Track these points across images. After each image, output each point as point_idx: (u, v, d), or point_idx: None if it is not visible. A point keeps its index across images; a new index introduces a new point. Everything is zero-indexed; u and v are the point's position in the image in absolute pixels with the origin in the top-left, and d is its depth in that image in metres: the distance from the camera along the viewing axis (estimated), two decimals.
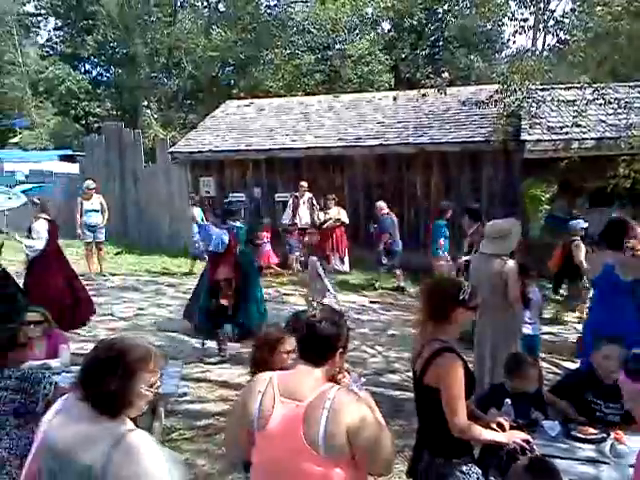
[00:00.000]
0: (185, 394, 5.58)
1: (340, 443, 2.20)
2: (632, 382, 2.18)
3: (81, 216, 11.45)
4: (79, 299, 8.26)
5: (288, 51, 24.62)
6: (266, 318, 8.06)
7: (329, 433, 2.19)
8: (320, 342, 2.42)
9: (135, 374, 2.09)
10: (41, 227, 8.10)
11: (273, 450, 2.30)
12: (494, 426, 3.16)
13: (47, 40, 33.88)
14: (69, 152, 23.11)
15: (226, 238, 7.18)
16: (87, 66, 31.86)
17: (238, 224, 8.35)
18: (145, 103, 27.13)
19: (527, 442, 3.07)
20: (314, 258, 8.85)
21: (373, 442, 2.26)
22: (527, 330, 5.83)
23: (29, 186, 15.03)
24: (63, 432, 2.09)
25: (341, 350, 2.45)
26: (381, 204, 11.15)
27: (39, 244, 8.03)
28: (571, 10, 8.08)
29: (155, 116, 25.94)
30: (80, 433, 2.05)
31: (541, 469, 2.69)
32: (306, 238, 11.04)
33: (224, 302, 7.15)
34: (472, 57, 25.53)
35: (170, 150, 14.50)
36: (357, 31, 24.34)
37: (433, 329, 3.00)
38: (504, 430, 3.16)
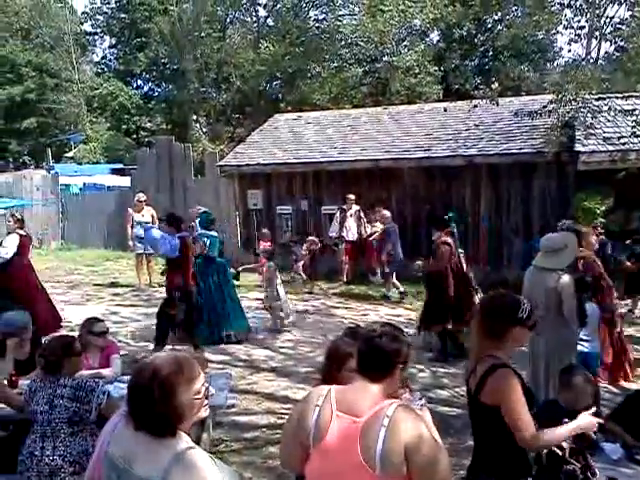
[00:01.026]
0: (233, 406, 5.59)
1: (397, 461, 2.14)
2: None
3: (132, 228, 11.67)
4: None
5: (335, 64, 24.73)
6: (243, 325, 8.47)
7: (386, 450, 2.14)
8: (379, 357, 2.36)
9: (173, 389, 2.05)
10: (12, 241, 8.30)
11: (329, 465, 2.26)
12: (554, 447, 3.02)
13: (102, 58, 35.12)
14: (120, 166, 23.71)
15: (176, 244, 7.14)
16: (139, 82, 32.83)
17: (213, 234, 8.49)
18: (194, 117, 27.69)
19: (589, 466, 2.93)
20: (272, 264, 9.03)
21: (430, 462, 2.19)
22: (583, 348, 5.63)
23: (11, 202, 15.37)
24: (124, 445, 2.10)
25: (401, 366, 2.38)
26: (385, 213, 11.08)
27: (4, 254, 8.18)
28: (630, 16, 7.83)
29: (204, 130, 26.45)
30: (140, 447, 2.05)
31: None
32: (304, 247, 11.62)
33: (172, 312, 7.17)
34: (523, 67, 25.14)
35: (219, 163, 14.69)
36: (405, 43, 24.27)
37: (487, 345, 2.89)
38: (563, 451, 3.02)
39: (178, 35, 26.25)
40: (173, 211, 9.64)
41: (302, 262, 11.94)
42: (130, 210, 11.97)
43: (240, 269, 9.87)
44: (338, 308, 10.41)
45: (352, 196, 12.29)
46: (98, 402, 3.56)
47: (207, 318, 8.21)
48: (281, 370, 7.21)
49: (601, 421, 2.95)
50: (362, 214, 12.21)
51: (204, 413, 2.18)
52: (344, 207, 12.34)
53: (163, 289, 11.76)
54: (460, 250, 8.01)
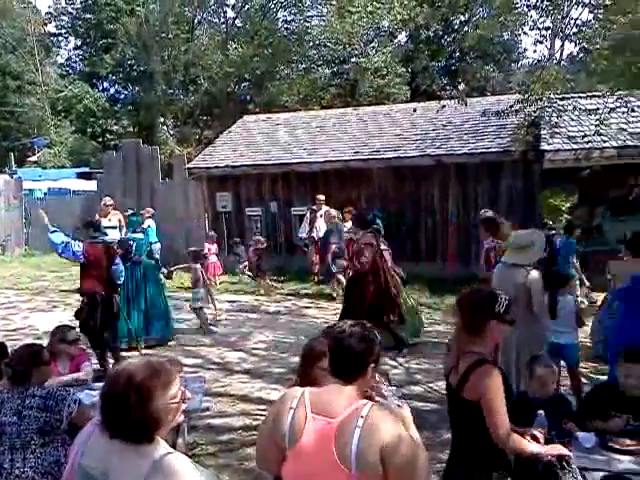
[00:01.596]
0: (207, 409, 5.55)
1: (372, 460, 2.15)
2: None
3: None
4: None
5: (304, 65, 24.77)
6: (164, 327, 8.48)
7: (361, 450, 2.15)
8: (350, 358, 2.36)
9: (150, 394, 2.01)
10: None
11: (305, 466, 2.26)
12: (528, 438, 3.07)
13: (67, 59, 34.48)
14: (87, 170, 23.34)
15: (76, 247, 7.05)
16: (105, 84, 32.34)
17: (138, 236, 8.47)
18: (162, 120, 27.40)
19: (565, 455, 2.99)
20: (197, 266, 9.06)
21: (409, 460, 2.19)
22: (559, 340, 5.73)
23: None
24: (99, 455, 2.05)
25: (372, 365, 2.38)
26: (332, 212, 11.16)
27: None
28: (593, 18, 8.00)
29: (172, 132, 26.19)
30: (116, 456, 2.01)
31: None
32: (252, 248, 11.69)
33: (81, 317, 7.07)
34: (489, 68, 25.49)
35: (187, 166, 14.58)
36: (373, 44, 24.41)
37: (467, 341, 2.93)
38: (538, 442, 3.07)
39: (145, 36, 25.95)
40: (90, 217, 9.56)
41: (246, 262, 12.22)
42: (97, 215, 11.76)
43: (172, 269, 9.85)
44: (309, 308, 10.43)
45: (322, 197, 12.31)
46: (69, 411, 3.47)
47: (126, 321, 8.07)
48: (255, 372, 7.18)
49: (569, 454, 3.00)
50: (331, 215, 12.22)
51: (180, 418, 2.15)
52: (314, 208, 12.35)
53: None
54: (385, 247, 8.06)
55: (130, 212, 9.58)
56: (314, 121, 15.58)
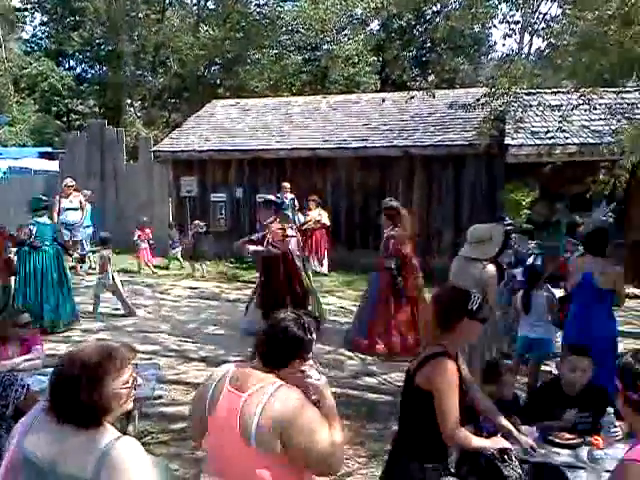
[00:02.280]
0: (160, 397, 5.49)
1: (270, 437, 2.19)
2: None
3: (58, 214, 11.26)
4: None
5: (275, 51, 24.52)
6: (67, 312, 8.32)
7: (260, 426, 2.19)
8: (275, 349, 2.40)
9: (102, 379, 2.01)
10: None
11: (217, 438, 2.34)
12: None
13: (32, 36, 33.44)
14: (49, 149, 22.82)
15: None
16: (71, 62, 31.49)
17: (40, 220, 8.29)
18: (129, 101, 26.88)
19: (506, 449, 3.04)
20: (104, 252, 9.01)
21: (306, 440, 2.22)
22: (531, 334, 5.86)
23: None
24: (43, 444, 2.00)
25: (298, 360, 2.40)
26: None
27: None
28: (562, 13, 8.04)
29: (138, 114, 25.75)
30: (64, 445, 1.98)
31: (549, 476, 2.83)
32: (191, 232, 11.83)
33: None
34: (459, 60, 25.61)
35: (153, 149, 14.36)
36: (346, 32, 24.30)
37: (437, 336, 2.97)
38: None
39: (114, 15, 25.36)
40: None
41: (181, 247, 12.40)
42: (57, 196, 11.53)
43: (85, 252, 9.76)
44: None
45: (287, 184, 12.26)
46: (16, 396, 3.42)
47: (27, 306, 7.75)
48: (212, 360, 7.11)
49: (511, 447, 3.06)
50: (296, 202, 12.21)
51: (130, 404, 2.14)
52: (279, 195, 12.28)
53: (91, 277, 11.54)
54: (293, 233, 8.10)
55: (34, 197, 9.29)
56: (283, 108, 15.46)
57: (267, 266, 7.77)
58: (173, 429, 5.33)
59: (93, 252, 10.48)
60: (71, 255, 8.79)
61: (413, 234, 7.79)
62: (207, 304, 9.92)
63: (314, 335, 2.47)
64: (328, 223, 12.08)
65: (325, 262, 12.08)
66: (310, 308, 7.86)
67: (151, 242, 12.34)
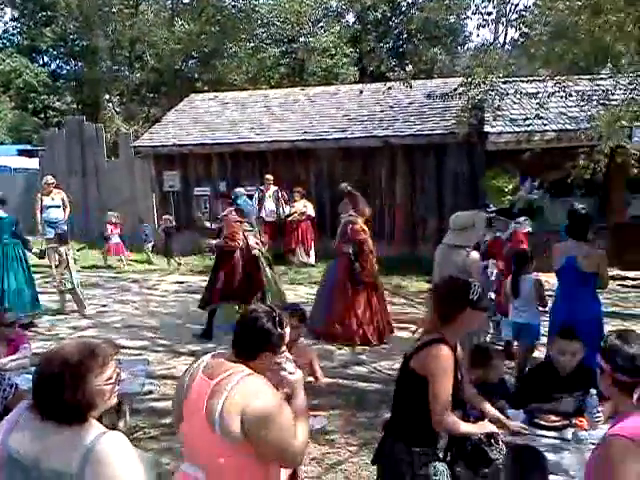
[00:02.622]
0: (150, 392, 5.52)
1: (233, 425, 2.21)
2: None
3: (41, 212, 11.17)
4: None
5: (252, 44, 24.40)
6: (28, 306, 8.27)
7: (224, 414, 2.22)
8: (245, 338, 2.43)
9: (84, 376, 2.02)
10: None
11: (188, 424, 2.37)
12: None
13: (3, 32, 32.88)
14: (28, 147, 22.56)
15: None
16: (45, 58, 31.06)
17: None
18: (107, 97, 26.61)
19: (493, 433, 3.11)
20: (62, 249, 8.98)
21: (264, 428, 2.24)
22: (517, 319, 5.96)
23: None
24: (27, 441, 2.01)
25: (268, 353, 2.42)
26: (240, 190, 11.25)
27: None
28: (533, 4, 8.17)
29: (117, 110, 25.50)
30: (47, 441, 1.99)
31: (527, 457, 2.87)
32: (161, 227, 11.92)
33: None
34: (436, 50, 25.70)
35: (133, 144, 14.28)
36: (322, 24, 24.27)
37: (439, 325, 2.98)
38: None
39: (87, 10, 25.02)
40: None
41: (152, 242, 12.52)
42: (38, 194, 11.43)
43: (43, 248, 9.78)
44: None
45: (270, 176, 12.29)
46: (4, 395, 3.43)
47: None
48: (201, 354, 7.00)
49: (495, 430, 3.13)
50: (280, 194, 12.25)
51: (114, 400, 2.15)
52: (262, 188, 12.32)
53: (77, 274, 11.51)
54: (250, 228, 8.11)
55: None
56: (262, 100, 15.45)
57: (222, 259, 7.66)
58: (163, 424, 5.34)
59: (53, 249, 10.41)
60: (30, 250, 8.72)
61: (370, 218, 7.86)
62: (194, 298, 9.85)
63: (286, 329, 2.48)
64: (313, 214, 12.14)
65: (312, 253, 12.15)
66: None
67: (122, 237, 12.33)
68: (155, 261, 12.74)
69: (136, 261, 12.79)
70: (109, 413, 4.39)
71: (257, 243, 8.21)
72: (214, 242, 7.77)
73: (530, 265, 6.00)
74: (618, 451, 2.03)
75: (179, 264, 12.26)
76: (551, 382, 3.84)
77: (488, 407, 3.32)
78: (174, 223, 12.30)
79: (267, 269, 8.12)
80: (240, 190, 10.92)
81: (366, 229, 7.56)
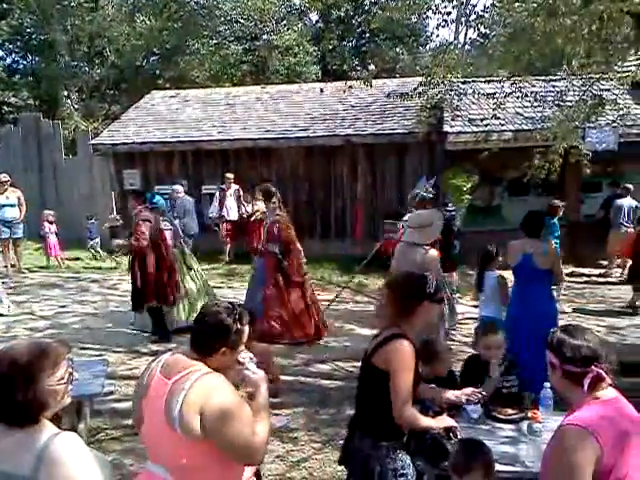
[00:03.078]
0: (111, 392, 5.47)
1: (193, 424, 2.22)
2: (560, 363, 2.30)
3: None
4: None
5: (215, 41, 24.22)
6: None
7: (183, 412, 2.22)
8: (200, 335, 2.45)
9: (35, 376, 2.00)
10: None
11: (148, 425, 2.38)
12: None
13: None
14: None
15: None
16: (0, 53, 30.27)
17: None
18: (65, 93, 26.06)
19: (451, 427, 3.18)
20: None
21: (223, 425, 2.25)
22: (483, 312, 6.13)
23: None
24: None
25: (224, 349, 2.42)
26: (178, 188, 11.34)
27: None
28: (491, 5, 8.31)
29: (76, 106, 25.01)
30: (1, 442, 1.97)
31: (474, 449, 2.93)
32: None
33: None
34: (398, 50, 25.90)
35: (92, 142, 14.04)
36: (285, 22, 24.21)
37: (397, 320, 3.02)
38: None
39: (44, 3, 24.46)
40: None
41: (98, 239, 12.51)
42: None
43: None
44: (221, 288, 10.36)
45: (230, 175, 12.24)
46: None
47: None
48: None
49: (456, 425, 3.20)
50: (241, 193, 12.20)
51: (68, 400, 2.14)
52: (223, 187, 12.26)
53: (34, 274, 11.32)
54: (169, 226, 7.99)
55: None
56: (224, 98, 15.36)
57: (135, 258, 7.46)
58: (126, 425, 5.27)
59: None
60: None
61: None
62: None
63: (245, 326, 2.49)
64: None
65: None
66: (176, 312, 7.72)
67: (58, 235, 12.16)
68: (99, 259, 12.66)
69: (79, 258, 12.67)
70: (69, 415, 4.36)
71: (181, 243, 8.17)
72: (122, 242, 7.64)
73: (495, 262, 6.15)
74: (572, 439, 2.11)
75: (101, 256, 12.47)
76: (482, 373, 3.92)
77: (442, 392, 3.40)
78: (121, 222, 11.98)
79: (184, 267, 7.99)
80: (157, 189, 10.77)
81: (292, 227, 7.55)
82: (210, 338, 2.41)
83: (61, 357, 2.11)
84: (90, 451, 2.08)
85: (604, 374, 2.24)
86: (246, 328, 2.50)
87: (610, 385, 2.29)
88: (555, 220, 9.29)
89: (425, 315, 3.04)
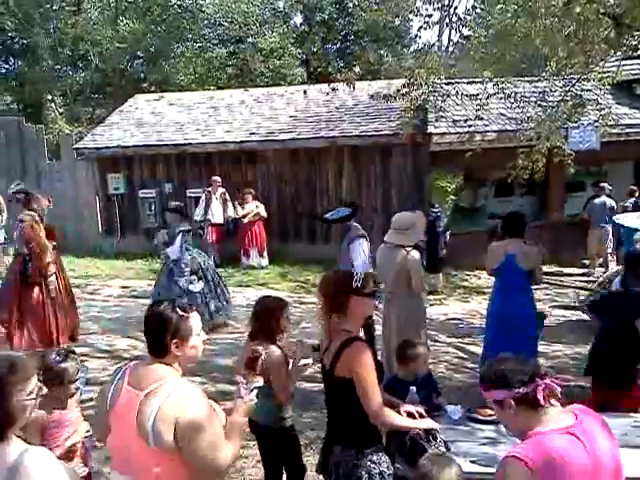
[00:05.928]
0: (91, 399, 5.39)
1: (166, 437, 2.21)
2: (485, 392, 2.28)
3: None
4: None
5: (199, 44, 24.17)
6: None
7: (157, 425, 2.20)
8: (150, 336, 2.44)
9: (5, 391, 1.95)
10: None
11: (117, 438, 2.35)
12: (403, 413, 3.23)
13: None
14: None
15: None
16: None
17: None
18: (49, 97, 25.88)
19: (431, 429, 3.17)
20: None
21: (194, 439, 2.23)
22: None
23: None
24: None
25: (175, 341, 2.39)
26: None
27: None
28: (472, 7, 8.35)
29: (60, 111, 24.83)
30: None
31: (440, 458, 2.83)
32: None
33: None
34: (382, 52, 25.96)
35: (75, 146, 13.94)
36: (268, 25, 24.19)
37: (337, 321, 3.01)
38: (413, 417, 3.24)
39: (26, 6, 24.27)
40: None
41: None
42: None
43: None
44: None
45: (217, 178, 12.19)
46: None
47: None
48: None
49: (436, 427, 3.20)
50: (228, 196, 12.16)
51: (33, 414, 2.09)
52: (209, 190, 12.20)
53: None
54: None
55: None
56: (208, 101, 15.30)
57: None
58: None
59: None
60: None
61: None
62: (138, 302, 9.73)
63: (191, 314, 2.46)
64: (265, 215, 12.09)
65: (265, 254, 12.10)
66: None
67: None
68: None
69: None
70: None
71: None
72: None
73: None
74: (512, 474, 2.09)
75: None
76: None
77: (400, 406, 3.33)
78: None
79: None
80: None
81: (37, 227, 7.00)
82: (158, 336, 2.39)
83: (31, 371, 2.06)
84: (60, 464, 2.04)
85: (552, 384, 2.21)
86: (192, 315, 2.46)
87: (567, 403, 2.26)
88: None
89: (358, 310, 3.03)
